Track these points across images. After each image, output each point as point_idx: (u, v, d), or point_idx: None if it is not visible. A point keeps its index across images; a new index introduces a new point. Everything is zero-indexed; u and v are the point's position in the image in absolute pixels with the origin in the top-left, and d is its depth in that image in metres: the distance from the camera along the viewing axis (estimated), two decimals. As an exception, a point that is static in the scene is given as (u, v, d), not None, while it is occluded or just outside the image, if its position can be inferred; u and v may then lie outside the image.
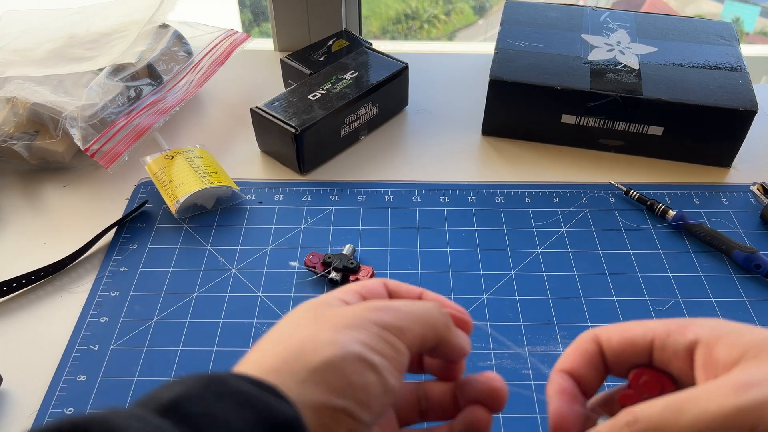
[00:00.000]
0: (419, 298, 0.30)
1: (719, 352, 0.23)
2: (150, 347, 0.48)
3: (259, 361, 0.24)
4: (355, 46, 0.73)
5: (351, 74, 0.67)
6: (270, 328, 0.26)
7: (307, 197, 0.61)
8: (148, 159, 0.60)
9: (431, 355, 0.28)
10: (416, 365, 0.31)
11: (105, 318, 0.50)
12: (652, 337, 0.26)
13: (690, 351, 0.25)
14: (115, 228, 0.57)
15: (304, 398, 0.22)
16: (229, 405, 0.20)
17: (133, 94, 0.65)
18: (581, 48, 0.68)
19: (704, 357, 0.24)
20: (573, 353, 0.28)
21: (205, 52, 0.71)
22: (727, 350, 0.23)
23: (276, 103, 0.62)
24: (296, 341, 0.24)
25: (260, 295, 0.52)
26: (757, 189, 0.61)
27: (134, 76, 0.65)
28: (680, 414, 0.22)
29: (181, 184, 0.57)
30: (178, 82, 0.67)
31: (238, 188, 0.60)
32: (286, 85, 0.73)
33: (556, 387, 0.27)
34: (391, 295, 0.30)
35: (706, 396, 0.22)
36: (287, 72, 0.72)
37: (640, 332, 0.26)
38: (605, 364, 0.28)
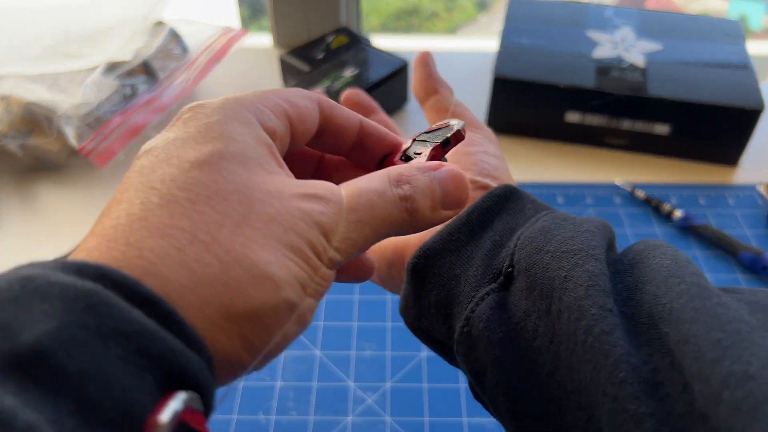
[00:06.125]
0: (359, 127, 0.29)
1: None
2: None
3: (154, 264, 0.17)
4: (354, 43, 0.72)
5: (351, 72, 0.65)
6: None
7: (306, 197, 0.60)
8: (144, 158, 0.59)
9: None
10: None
11: (100, 321, 0.49)
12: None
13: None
14: (111, 229, 0.56)
15: (209, 344, 0.18)
16: (114, 357, 0.15)
17: (128, 92, 0.63)
18: (586, 45, 0.67)
19: None
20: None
21: (201, 49, 0.69)
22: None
23: (274, 102, 0.61)
24: (218, 257, 0.18)
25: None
26: (764, 189, 0.60)
27: (129, 74, 0.64)
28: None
29: (177, 184, 0.56)
30: (174, 79, 0.66)
31: (236, 188, 0.59)
32: (285, 82, 0.72)
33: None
34: (327, 120, 0.27)
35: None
36: (286, 69, 0.71)
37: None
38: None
